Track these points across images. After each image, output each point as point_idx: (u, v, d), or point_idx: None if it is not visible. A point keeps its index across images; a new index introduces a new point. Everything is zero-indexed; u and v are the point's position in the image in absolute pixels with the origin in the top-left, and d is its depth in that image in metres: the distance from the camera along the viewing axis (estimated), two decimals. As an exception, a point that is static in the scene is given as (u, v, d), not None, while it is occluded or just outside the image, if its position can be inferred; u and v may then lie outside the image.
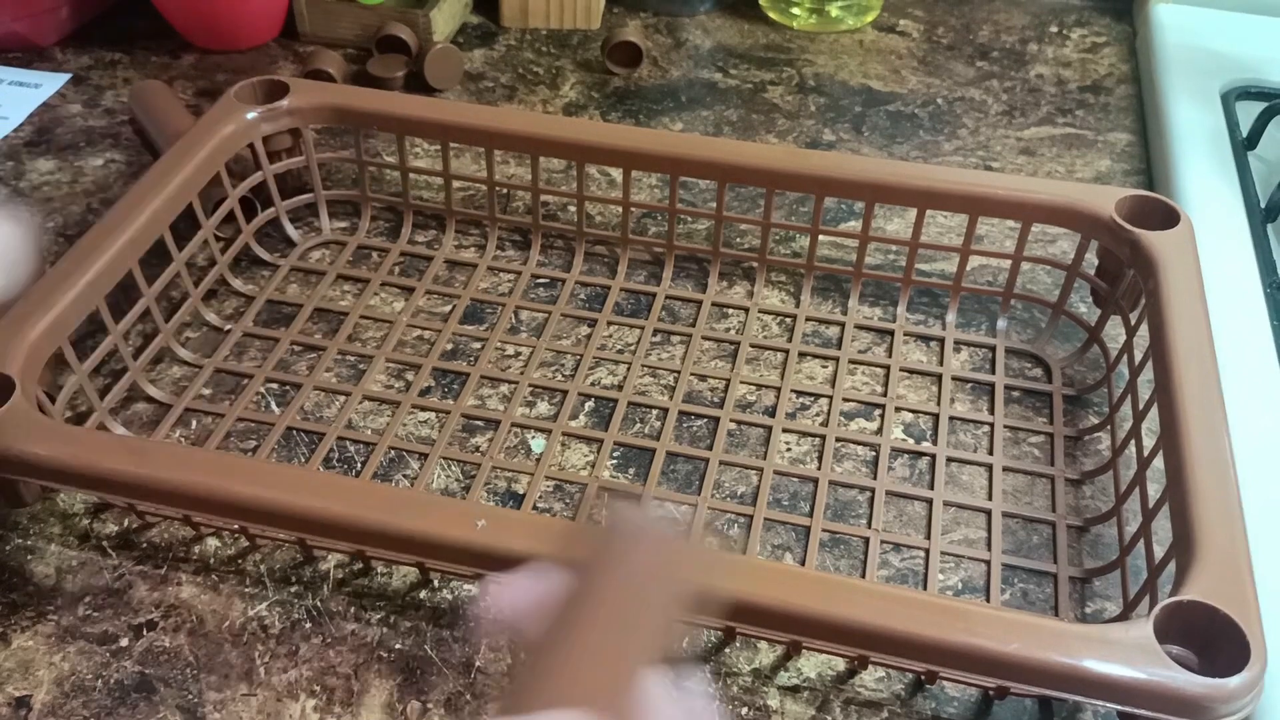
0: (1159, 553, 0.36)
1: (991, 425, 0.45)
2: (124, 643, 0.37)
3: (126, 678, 0.36)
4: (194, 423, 0.44)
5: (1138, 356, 0.43)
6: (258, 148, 0.50)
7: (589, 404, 0.46)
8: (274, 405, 0.45)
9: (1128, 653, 0.30)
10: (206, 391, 0.45)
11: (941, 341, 0.49)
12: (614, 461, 0.43)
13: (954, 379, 0.47)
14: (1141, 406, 0.41)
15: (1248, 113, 0.59)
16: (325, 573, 0.39)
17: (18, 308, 0.39)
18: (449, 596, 0.39)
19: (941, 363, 0.48)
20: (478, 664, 0.37)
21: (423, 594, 0.39)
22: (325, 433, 0.44)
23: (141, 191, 0.44)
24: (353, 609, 0.38)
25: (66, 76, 0.63)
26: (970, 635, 0.31)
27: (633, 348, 0.48)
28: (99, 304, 0.42)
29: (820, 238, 0.50)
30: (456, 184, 0.53)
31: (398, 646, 0.37)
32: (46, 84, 0.62)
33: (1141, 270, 0.44)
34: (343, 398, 0.45)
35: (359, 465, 0.43)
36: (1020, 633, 0.31)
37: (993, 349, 0.48)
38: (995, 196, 0.47)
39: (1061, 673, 0.31)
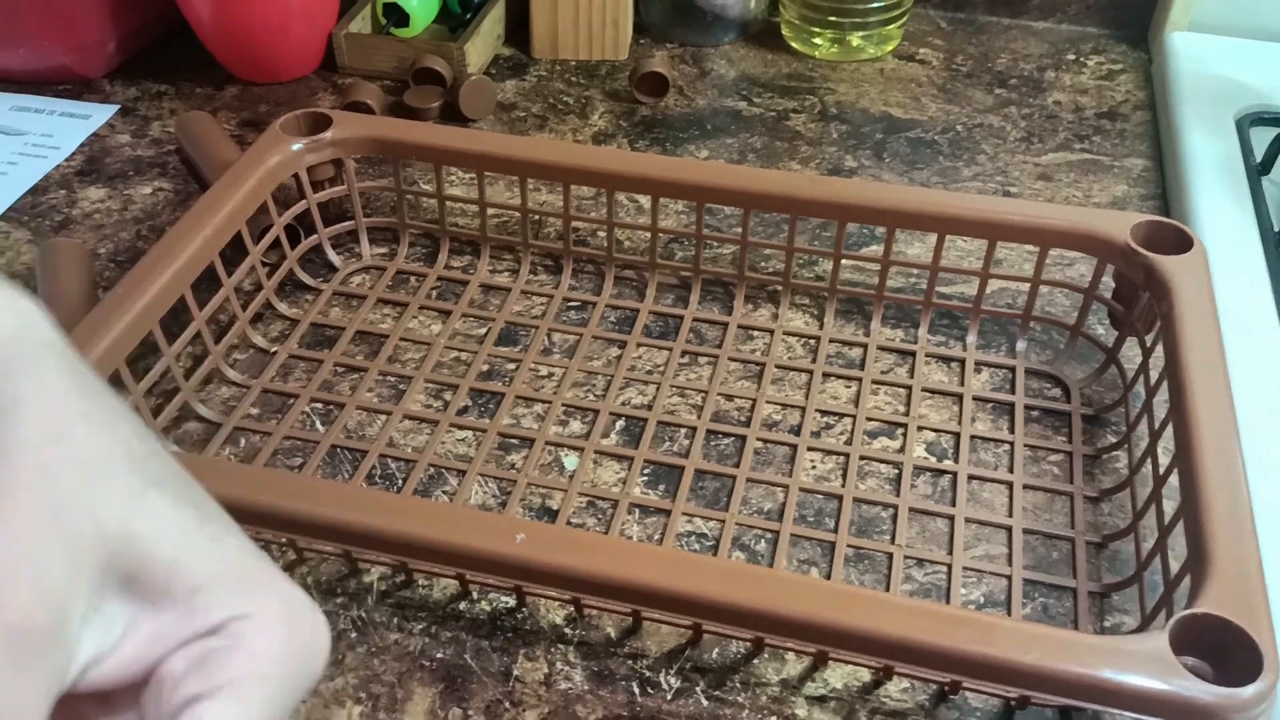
0: (1174, 568, 0.37)
1: (1012, 444, 0.46)
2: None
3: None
4: (242, 441, 0.46)
5: (1153, 377, 0.44)
6: (302, 177, 0.52)
7: (620, 423, 0.47)
8: (319, 424, 0.47)
9: (1144, 663, 0.32)
10: (254, 411, 0.47)
11: (962, 362, 0.50)
12: (644, 478, 0.45)
13: (974, 399, 0.48)
14: (1157, 426, 0.43)
15: (1261, 139, 0.61)
16: (369, 585, 0.41)
17: (78, 331, 0.41)
18: (487, 608, 0.40)
19: (962, 383, 0.49)
20: (516, 673, 0.38)
21: (462, 605, 0.40)
22: (368, 450, 0.45)
23: (193, 220, 0.46)
24: (395, 619, 0.40)
25: (115, 108, 0.66)
26: (992, 646, 0.33)
27: (661, 368, 0.50)
28: (153, 327, 0.44)
29: (843, 262, 0.52)
30: (491, 211, 0.55)
31: (439, 656, 0.39)
32: (96, 115, 0.65)
33: (1156, 294, 0.45)
34: (384, 417, 0.47)
35: (400, 481, 0.44)
36: (1040, 644, 0.32)
37: (1012, 370, 0.50)
38: (1013, 222, 0.48)
39: (1080, 683, 0.32)
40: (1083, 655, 0.32)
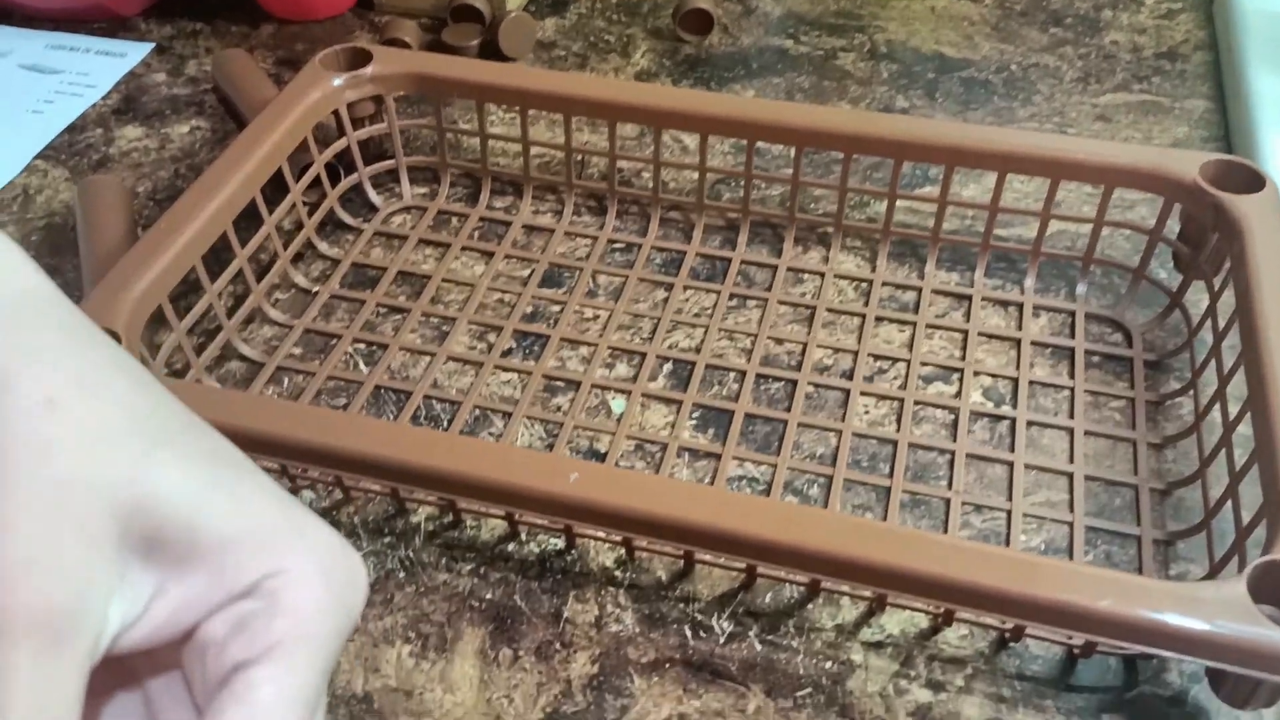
0: (1246, 516, 0.36)
1: (1071, 390, 0.45)
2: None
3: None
4: (286, 381, 0.45)
5: (1221, 322, 0.43)
6: (342, 114, 0.51)
7: (667, 366, 0.46)
8: (362, 365, 0.46)
9: (1222, 610, 0.31)
10: (297, 351, 0.47)
11: (1020, 306, 0.48)
12: (693, 422, 0.44)
13: (1033, 344, 0.47)
14: (1226, 371, 0.41)
15: (1332, 78, 0.58)
16: (416, 525, 0.40)
17: (121, 266, 0.41)
18: (536, 550, 0.40)
19: (1020, 328, 0.48)
20: (566, 615, 0.38)
21: (510, 546, 0.40)
22: (412, 392, 0.45)
23: (234, 156, 0.45)
24: (444, 560, 0.39)
25: (150, 46, 0.65)
26: (1065, 592, 0.32)
27: (709, 311, 0.48)
28: (196, 264, 0.43)
29: (896, 203, 0.50)
30: (533, 150, 0.54)
31: (488, 596, 0.38)
32: (131, 53, 0.64)
33: (1226, 234, 0.43)
34: (427, 358, 0.46)
35: (445, 423, 0.44)
36: (1114, 589, 0.31)
37: (1072, 314, 0.48)
38: (1077, 160, 0.46)
39: (1155, 629, 0.31)
40: (1158, 601, 0.31)
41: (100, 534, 0.18)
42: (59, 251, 0.51)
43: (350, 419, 0.39)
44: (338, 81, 0.50)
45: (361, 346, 0.47)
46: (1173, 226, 0.48)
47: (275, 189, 0.48)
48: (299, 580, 0.19)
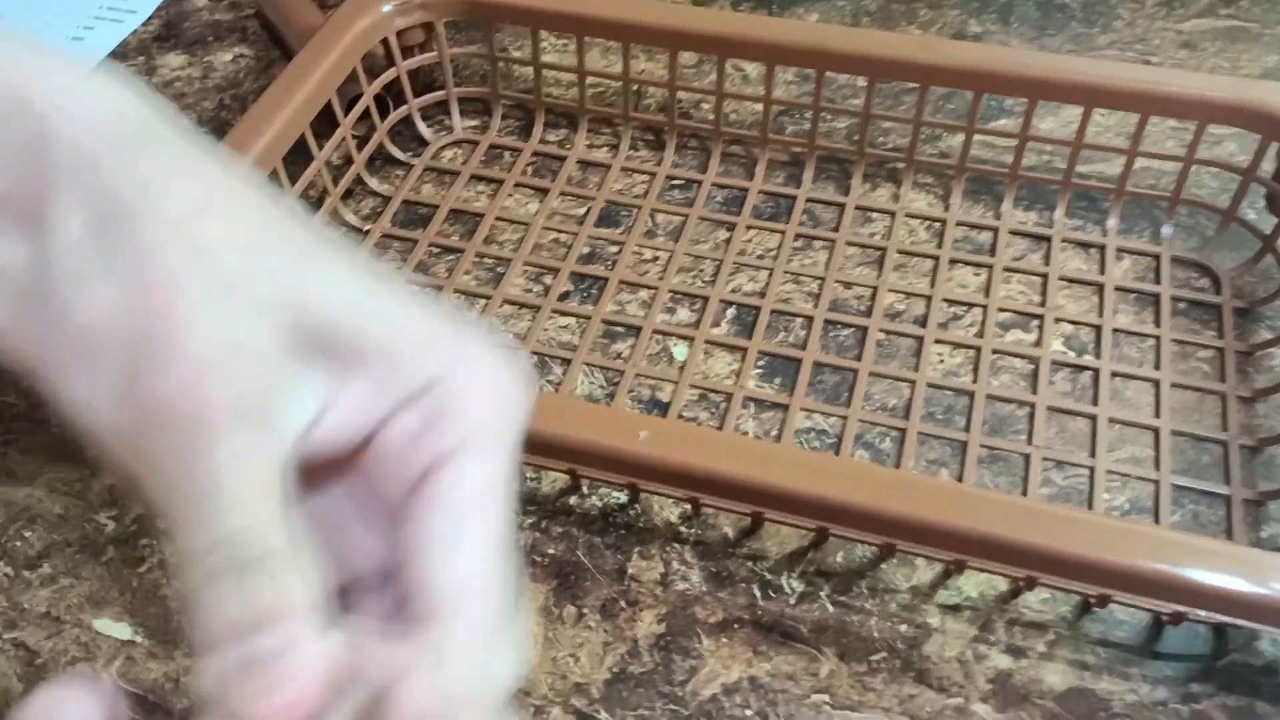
0: (1350, 478, 0.34)
1: (1157, 339, 0.43)
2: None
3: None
4: (337, 324, 0.44)
5: (1323, 268, 0.40)
6: (391, 43, 0.48)
7: (730, 311, 0.44)
8: (415, 308, 0.45)
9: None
10: (348, 293, 0.45)
11: (1101, 249, 0.46)
12: (758, 371, 0.42)
13: (1116, 289, 0.44)
14: (1328, 322, 0.39)
15: None
16: (475, 477, 0.39)
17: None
18: (598, 504, 0.39)
19: (1102, 271, 0.45)
20: (630, 571, 0.37)
21: (572, 500, 0.39)
22: (467, 336, 0.43)
23: (281, 89, 0.44)
24: (504, 514, 0.38)
25: (188, -31, 0.62)
26: (1151, 559, 0.30)
27: (774, 253, 0.46)
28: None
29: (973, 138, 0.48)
30: (588, 81, 0.51)
31: (550, 551, 0.37)
32: (169, -23, 0.62)
33: (1332, 175, 0.41)
34: (483, 301, 0.45)
35: (503, 370, 0.42)
36: (1210, 559, 0.30)
37: (1156, 258, 0.46)
38: (1169, 94, 0.43)
39: (1254, 601, 0.29)
40: (1258, 572, 0.29)
41: (273, 326, 0.18)
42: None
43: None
44: (387, 8, 0.48)
45: (415, 289, 0.45)
46: (1266, 166, 0.45)
47: (323, 122, 0.46)
48: (473, 379, 0.19)
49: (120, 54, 0.57)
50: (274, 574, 0.16)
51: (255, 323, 0.18)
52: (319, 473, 0.20)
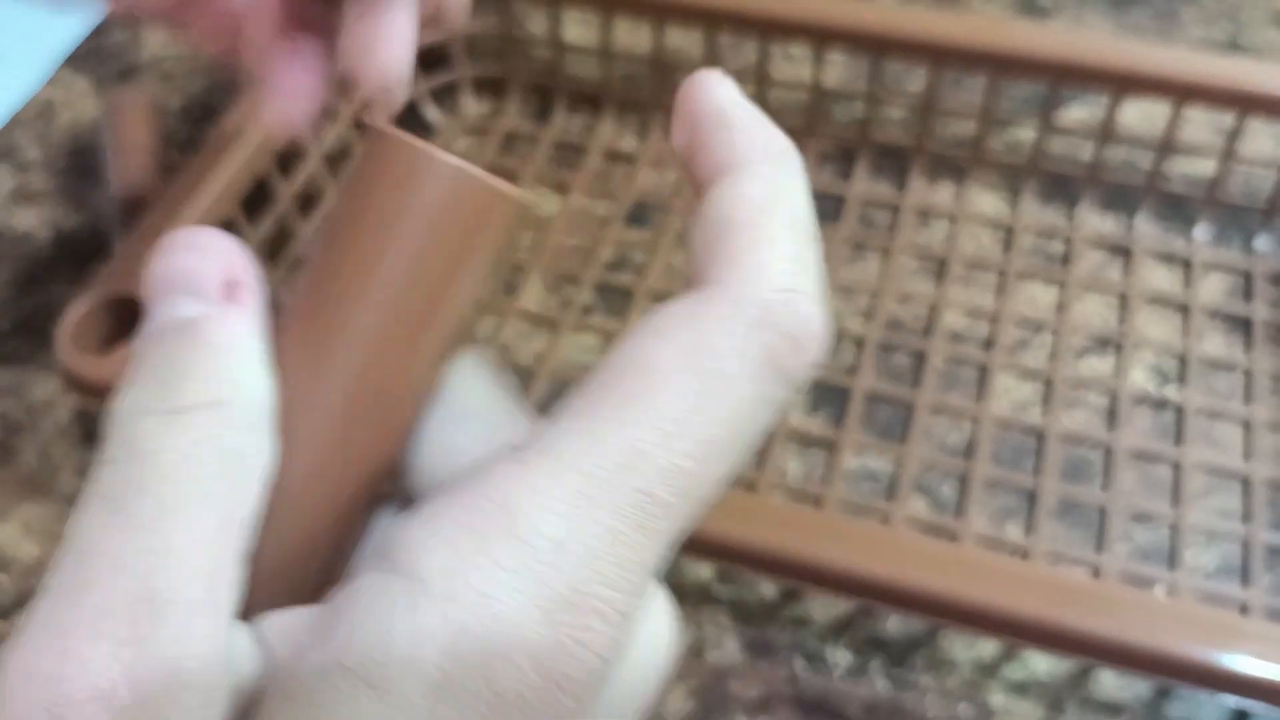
0: None
1: (1248, 369, 0.38)
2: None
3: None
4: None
5: None
6: (397, 21, 0.44)
7: (771, 328, 0.40)
8: (422, 322, 0.40)
9: None
10: (349, 305, 0.41)
11: (1188, 263, 0.41)
12: (803, 400, 0.38)
13: (1202, 310, 0.40)
14: None
15: None
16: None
17: (152, 221, 0.35)
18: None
19: (1187, 287, 0.40)
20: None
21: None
22: (479, 357, 0.39)
23: (273, 77, 0.39)
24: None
25: (181, -73, 0.57)
26: (1230, 652, 0.27)
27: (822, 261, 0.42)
28: (234, 212, 0.37)
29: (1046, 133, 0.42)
30: (615, 60, 0.46)
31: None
32: (160, -64, 0.57)
33: None
34: (495, 316, 0.41)
35: (518, 396, 0.38)
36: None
37: (1248, 274, 0.41)
38: (1273, 94, 0.38)
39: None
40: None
41: None
42: (85, 176, 0.46)
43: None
44: (391, -17, 0.43)
45: (422, 299, 0.41)
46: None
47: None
48: None
49: (104, 28, 0.52)
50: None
51: None
52: None
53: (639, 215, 0.44)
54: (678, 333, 0.14)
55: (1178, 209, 0.43)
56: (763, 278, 0.15)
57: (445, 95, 0.48)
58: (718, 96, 0.16)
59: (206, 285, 0.16)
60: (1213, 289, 0.41)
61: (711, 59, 0.44)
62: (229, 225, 0.37)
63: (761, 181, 0.15)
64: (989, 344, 0.39)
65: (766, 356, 0.14)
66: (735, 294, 0.15)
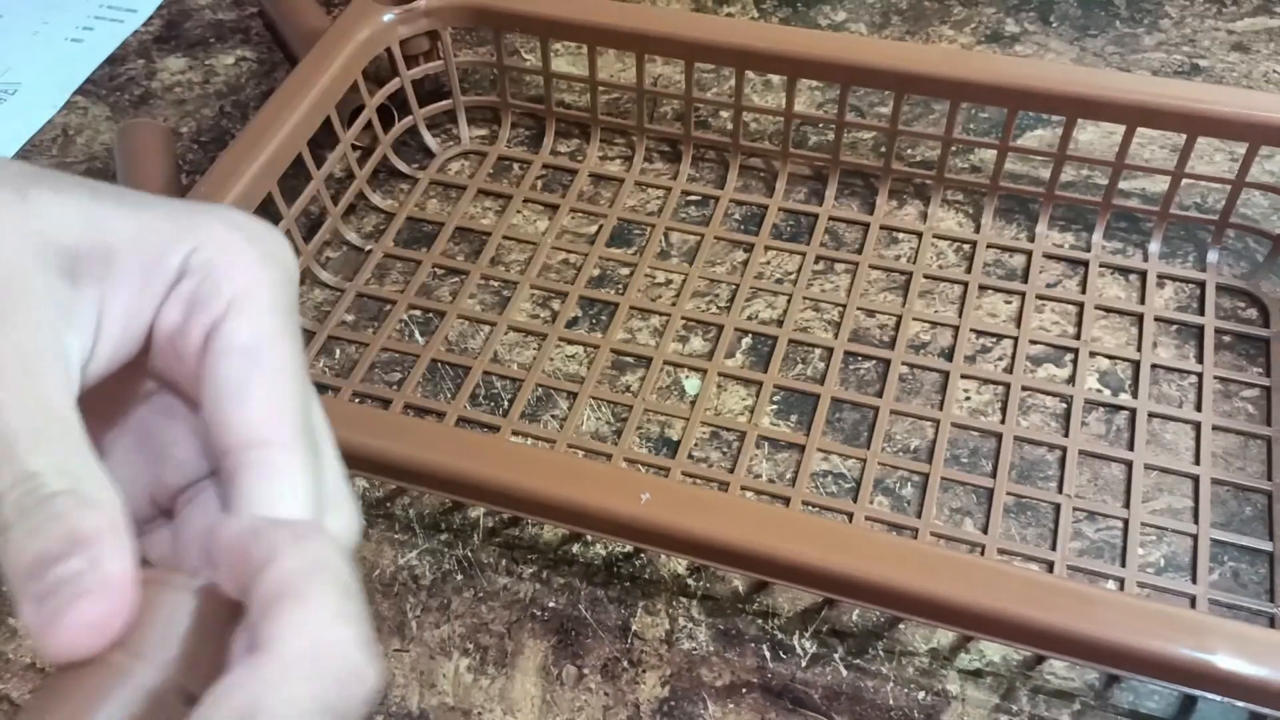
0: None
1: (1199, 375, 0.40)
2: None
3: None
4: (338, 352, 0.42)
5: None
6: (395, 53, 0.46)
7: (746, 340, 0.42)
8: (418, 334, 0.43)
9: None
10: (349, 318, 0.44)
11: (1143, 276, 0.43)
12: (774, 407, 0.40)
13: (1156, 319, 0.42)
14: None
15: None
16: (475, 520, 0.38)
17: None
18: (602, 552, 0.37)
19: (1143, 300, 0.43)
20: (634, 628, 0.35)
21: (575, 548, 0.37)
22: (470, 367, 0.42)
23: (278, 106, 0.42)
24: (504, 561, 0.37)
25: (193, -36, 0.60)
26: (1171, 644, 0.28)
27: (793, 277, 0.44)
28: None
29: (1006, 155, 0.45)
30: (601, 89, 0.49)
31: (551, 605, 0.36)
32: (173, -28, 0.60)
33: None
34: (487, 328, 0.43)
35: (506, 404, 0.41)
36: (1229, 643, 0.28)
37: (1201, 285, 0.43)
38: (1221, 116, 0.41)
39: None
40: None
41: (22, 273, 0.18)
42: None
43: (396, 421, 0.36)
44: (389, 16, 0.45)
45: (417, 314, 0.44)
46: (1324, 185, 0.42)
47: (325, 132, 0.44)
48: (223, 249, 0.19)
49: (120, 56, 0.55)
50: (71, 505, 0.16)
51: (16, 258, 0.18)
52: (122, 392, 0.20)
53: (622, 234, 0.46)
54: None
55: (1133, 225, 0.45)
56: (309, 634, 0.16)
57: (443, 122, 0.50)
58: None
59: None
60: (1165, 300, 0.43)
61: (691, 90, 0.46)
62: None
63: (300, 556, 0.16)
64: (950, 354, 0.41)
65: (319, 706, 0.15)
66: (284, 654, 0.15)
